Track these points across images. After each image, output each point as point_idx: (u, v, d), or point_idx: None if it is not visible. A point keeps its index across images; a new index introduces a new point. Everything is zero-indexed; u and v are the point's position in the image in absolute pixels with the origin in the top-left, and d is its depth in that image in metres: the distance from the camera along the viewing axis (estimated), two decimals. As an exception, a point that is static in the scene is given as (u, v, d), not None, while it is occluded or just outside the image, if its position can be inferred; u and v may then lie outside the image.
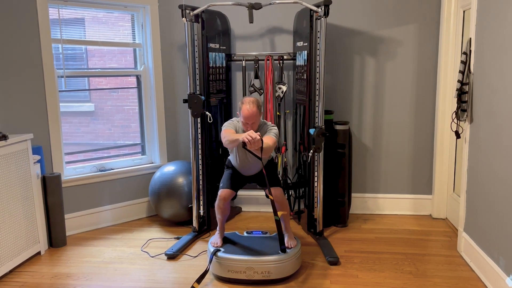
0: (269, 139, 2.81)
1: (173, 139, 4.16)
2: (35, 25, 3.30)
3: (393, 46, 3.81)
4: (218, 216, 3.05)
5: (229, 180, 3.03)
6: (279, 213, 2.82)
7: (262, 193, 4.04)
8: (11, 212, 2.99)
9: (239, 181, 3.07)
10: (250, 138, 2.59)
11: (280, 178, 3.67)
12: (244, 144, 2.64)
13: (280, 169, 3.81)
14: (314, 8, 3.15)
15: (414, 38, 3.78)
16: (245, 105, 2.80)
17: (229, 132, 2.83)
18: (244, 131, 2.89)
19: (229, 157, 3.13)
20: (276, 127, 2.93)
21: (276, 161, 3.77)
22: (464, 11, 3.48)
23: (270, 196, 2.78)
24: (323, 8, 3.10)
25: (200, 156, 3.52)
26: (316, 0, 3.26)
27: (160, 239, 3.52)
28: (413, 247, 3.31)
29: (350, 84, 3.92)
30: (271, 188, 2.91)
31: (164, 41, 3.98)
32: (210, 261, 2.80)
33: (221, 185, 3.04)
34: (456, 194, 3.69)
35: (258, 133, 2.65)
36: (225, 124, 2.97)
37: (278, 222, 2.76)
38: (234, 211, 4.05)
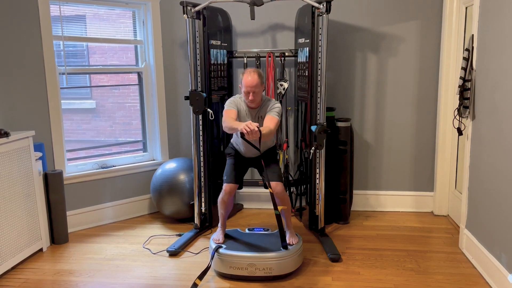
0: (270, 121, 2.78)
1: (175, 136, 4.16)
2: (36, 22, 3.30)
3: (395, 43, 3.80)
4: (220, 211, 3.05)
5: (232, 172, 3.00)
6: (279, 208, 2.81)
7: (263, 190, 4.04)
8: (13, 209, 2.99)
9: (242, 169, 3.04)
10: (248, 130, 2.57)
11: (282, 171, 3.66)
12: (242, 134, 2.64)
13: (281, 166, 3.80)
14: (316, 5, 3.14)
15: (416, 34, 3.77)
16: (246, 74, 2.79)
17: (229, 117, 2.81)
18: (247, 107, 2.88)
19: (231, 140, 3.11)
20: (279, 105, 2.89)
21: (278, 151, 3.71)
22: (466, 8, 3.47)
23: (270, 189, 2.77)
24: (325, 5, 3.09)
25: (201, 153, 3.52)
26: (317, -4, 3.25)
27: (162, 236, 3.52)
28: (414, 244, 3.31)
29: (352, 81, 3.91)
30: (271, 183, 2.88)
31: (165, 38, 3.97)
32: (212, 258, 2.81)
33: (224, 178, 3.01)
34: (458, 191, 3.69)
35: (257, 124, 2.62)
36: (227, 103, 2.94)
37: (278, 217, 2.75)
38: (235, 208, 4.05)
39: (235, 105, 2.91)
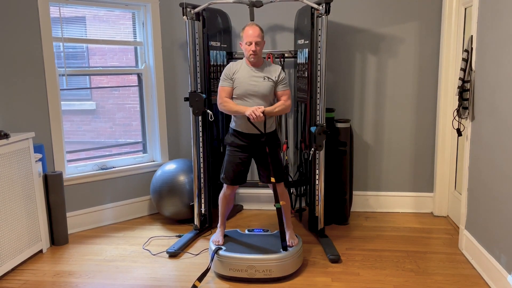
0: (287, 97, 2.88)
1: (175, 137, 4.17)
2: (36, 24, 3.30)
3: (394, 44, 3.81)
4: (221, 210, 3.04)
5: (232, 173, 2.94)
6: (281, 202, 2.82)
7: (263, 191, 4.04)
8: (13, 210, 3.00)
9: (243, 166, 2.94)
10: (254, 116, 2.69)
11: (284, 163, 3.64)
12: (248, 118, 2.75)
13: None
14: (315, 6, 3.15)
15: (415, 35, 3.77)
16: (247, 27, 2.79)
17: (229, 100, 2.86)
18: (248, 68, 2.84)
19: (230, 125, 2.99)
20: (283, 71, 2.93)
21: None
22: (465, 8, 3.47)
23: (272, 179, 2.79)
24: (324, 6, 3.09)
25: (201, 154, 3.52)
26: (317, -3, 3.25)
27: (162, 237, 3.52)
28: (414, 245, 3.31)
29: (352, 82, 3.91)
30: (272, 181, 2.87)
31: (165, 39, 3.97)
32: (212, 259, 2.81)
33: (223, 176, 2.96)
34: (457, 191, 3.69)
35: (262, 108, 2.71)
36: (222, 76, 2.90)
37: (279, 210, 2.75)
38: (235, 209, 4.05)
39: (229, 77, 2.86)
